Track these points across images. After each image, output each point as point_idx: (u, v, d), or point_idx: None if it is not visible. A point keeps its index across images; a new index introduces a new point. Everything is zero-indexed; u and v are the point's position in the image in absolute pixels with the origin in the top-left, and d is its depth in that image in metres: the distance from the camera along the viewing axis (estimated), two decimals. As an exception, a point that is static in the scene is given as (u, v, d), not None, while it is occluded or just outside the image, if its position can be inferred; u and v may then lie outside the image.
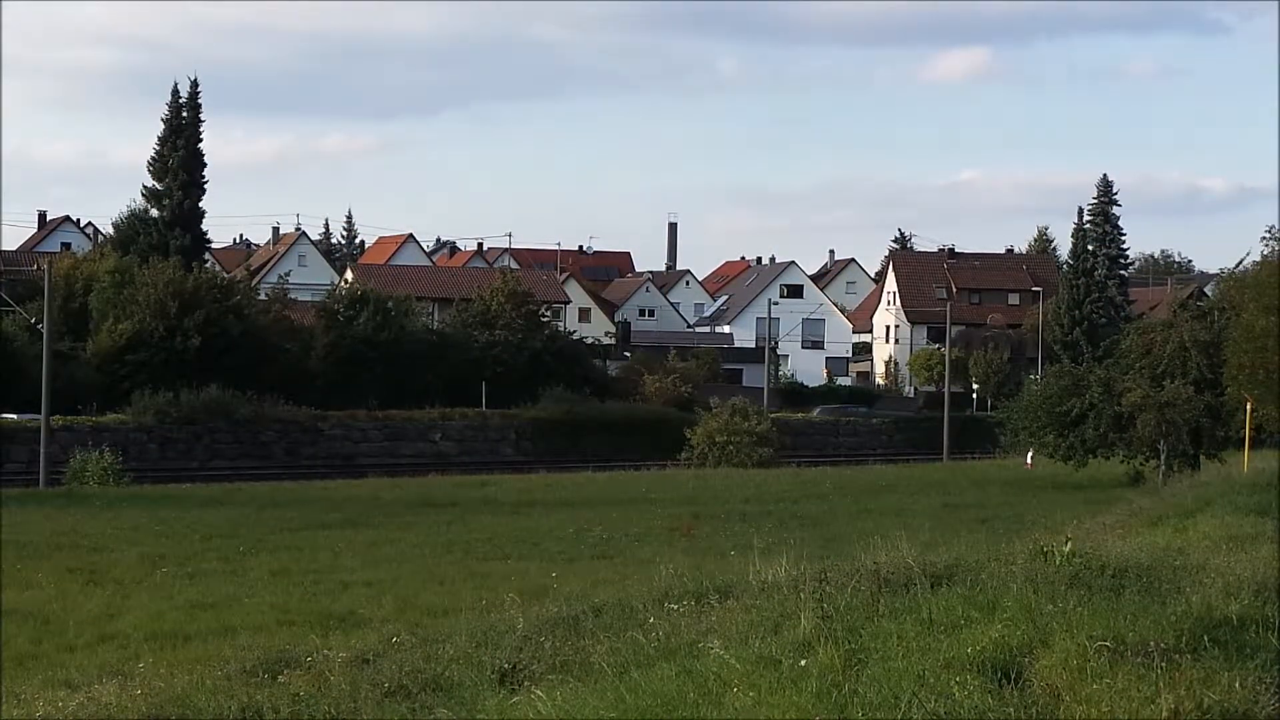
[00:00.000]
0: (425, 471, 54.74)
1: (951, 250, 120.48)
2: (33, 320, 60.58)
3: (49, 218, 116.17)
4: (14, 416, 61.70)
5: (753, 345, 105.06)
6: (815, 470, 55.27)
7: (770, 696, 8.77)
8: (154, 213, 79.05)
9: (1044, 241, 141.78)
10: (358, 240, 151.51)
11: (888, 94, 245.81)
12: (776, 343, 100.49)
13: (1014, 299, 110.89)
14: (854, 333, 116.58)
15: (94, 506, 39.59)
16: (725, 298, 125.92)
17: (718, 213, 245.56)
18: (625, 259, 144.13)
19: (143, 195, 79.71)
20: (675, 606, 13.61)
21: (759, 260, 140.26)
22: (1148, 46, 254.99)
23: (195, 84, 79.49)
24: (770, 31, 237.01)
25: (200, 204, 79.70)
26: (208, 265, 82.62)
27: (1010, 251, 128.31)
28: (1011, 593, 11.08)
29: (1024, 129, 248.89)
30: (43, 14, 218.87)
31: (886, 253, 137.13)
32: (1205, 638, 9.66)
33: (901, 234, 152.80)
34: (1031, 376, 79.93)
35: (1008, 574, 12.20)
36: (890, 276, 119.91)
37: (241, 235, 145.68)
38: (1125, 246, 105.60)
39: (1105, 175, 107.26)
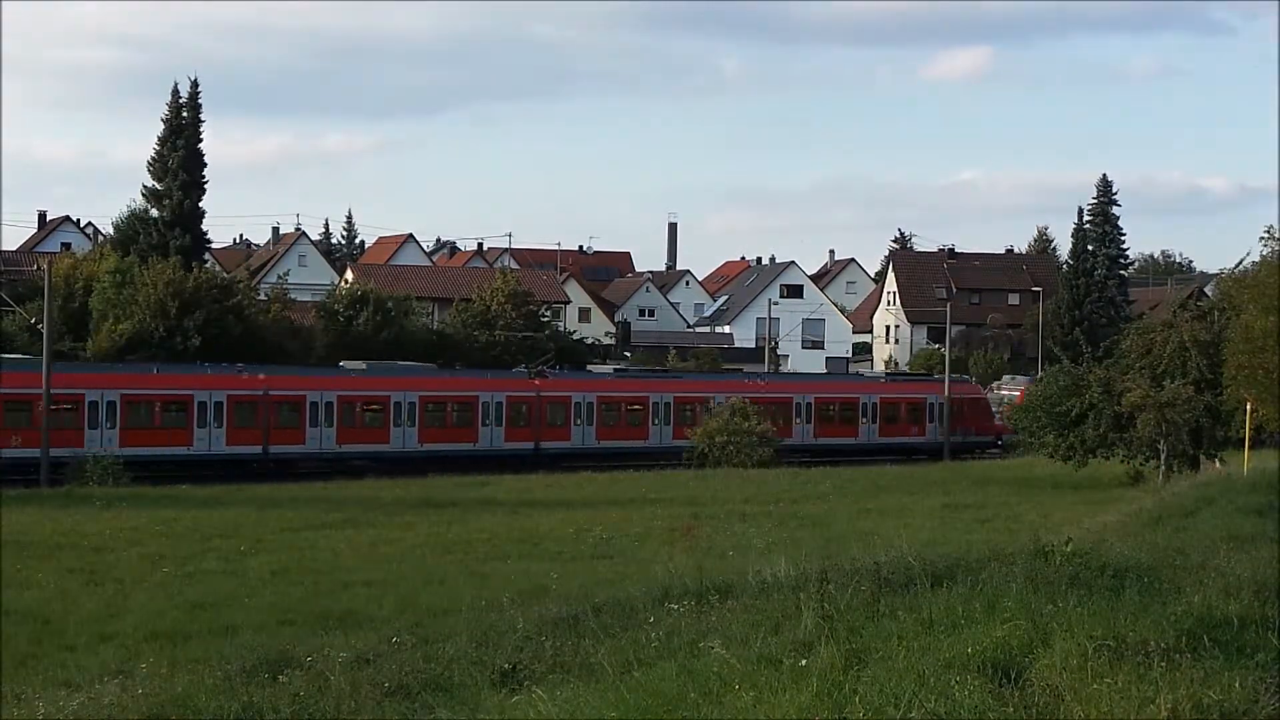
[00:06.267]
0: (425, 472, 54.67)
1: (951, 250, 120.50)
2: (33, 320, 60.40)
3: (49, 218, 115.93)
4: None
5: (753, 345, 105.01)
6: (815, 470, 55.19)
7: (771, 696, 8.78)
8: (154, 213, 78.69)
9: (1044, 241, 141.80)
10: (358, 240, 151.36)
11: (888, 94, 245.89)
12: (776, 343, 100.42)
13: (1014, 299, 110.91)
14: (854, 333, 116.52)
15: (94, 506, 39.55)
16: (725, 298, 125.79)
17: (718, 213, 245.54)
18: (625, 259, 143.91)
19: (143, 195, 79.42)
20: (675, 606, 13.64)
21: (759, 260, 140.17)
22: (1148, 46, 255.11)
23: (195, 84, 79.20)
24: (771, 31, 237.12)
25: (200, 204, 79.39)
26: (208, 265, 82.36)
27: (1010, 251, 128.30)
28: (1011, 593, 11.11)
29: (1024, 129, 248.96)
30: (43, 14, 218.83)
31: (886, 253, 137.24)
32: (1205, 637, 9.68)
33: (901, 234, 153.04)
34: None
35: (1008, 574, 12.23)
36: (890, 276, 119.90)
37: (241, 235, 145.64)
38: (1125, 246, 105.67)
39: (1105, 175, 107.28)
